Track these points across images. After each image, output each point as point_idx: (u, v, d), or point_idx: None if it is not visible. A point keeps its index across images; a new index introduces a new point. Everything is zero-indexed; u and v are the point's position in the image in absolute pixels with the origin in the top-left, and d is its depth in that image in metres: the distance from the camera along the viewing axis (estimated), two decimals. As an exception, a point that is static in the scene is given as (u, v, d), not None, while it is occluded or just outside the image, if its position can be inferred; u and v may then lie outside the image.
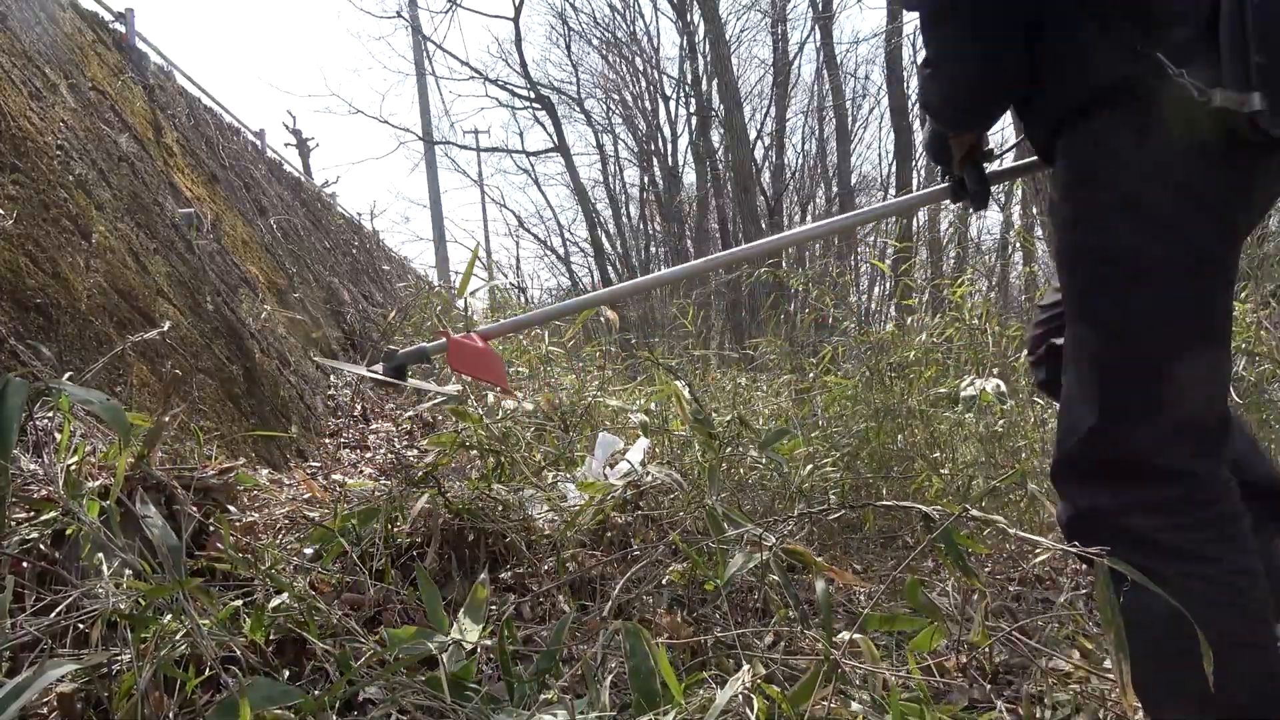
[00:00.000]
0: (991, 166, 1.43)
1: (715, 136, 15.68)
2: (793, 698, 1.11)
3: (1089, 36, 1.06)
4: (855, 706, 1.17)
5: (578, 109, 20.04)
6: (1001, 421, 2.67)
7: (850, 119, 16.71)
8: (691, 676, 1.21)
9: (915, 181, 10.58)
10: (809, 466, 2.48)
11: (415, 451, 4.10)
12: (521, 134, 43.83)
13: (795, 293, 4.73)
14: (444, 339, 1.76)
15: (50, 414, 1.69)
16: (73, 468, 1.42)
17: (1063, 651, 1.61)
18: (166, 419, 1.88)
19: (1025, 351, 1.64)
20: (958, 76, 1.19)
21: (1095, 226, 1.09)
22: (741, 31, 18.84)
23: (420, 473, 2.07)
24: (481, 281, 5.36)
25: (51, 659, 1.03)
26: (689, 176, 19.14)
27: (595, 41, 19.73)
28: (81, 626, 1.16)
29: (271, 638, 1.33)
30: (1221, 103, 0.94)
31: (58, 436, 1.51)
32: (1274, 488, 1.22)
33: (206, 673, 1.15)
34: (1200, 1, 0.96)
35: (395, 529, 1.81)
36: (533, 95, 15.86)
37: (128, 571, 1.22)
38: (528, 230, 25.03)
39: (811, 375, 3.50)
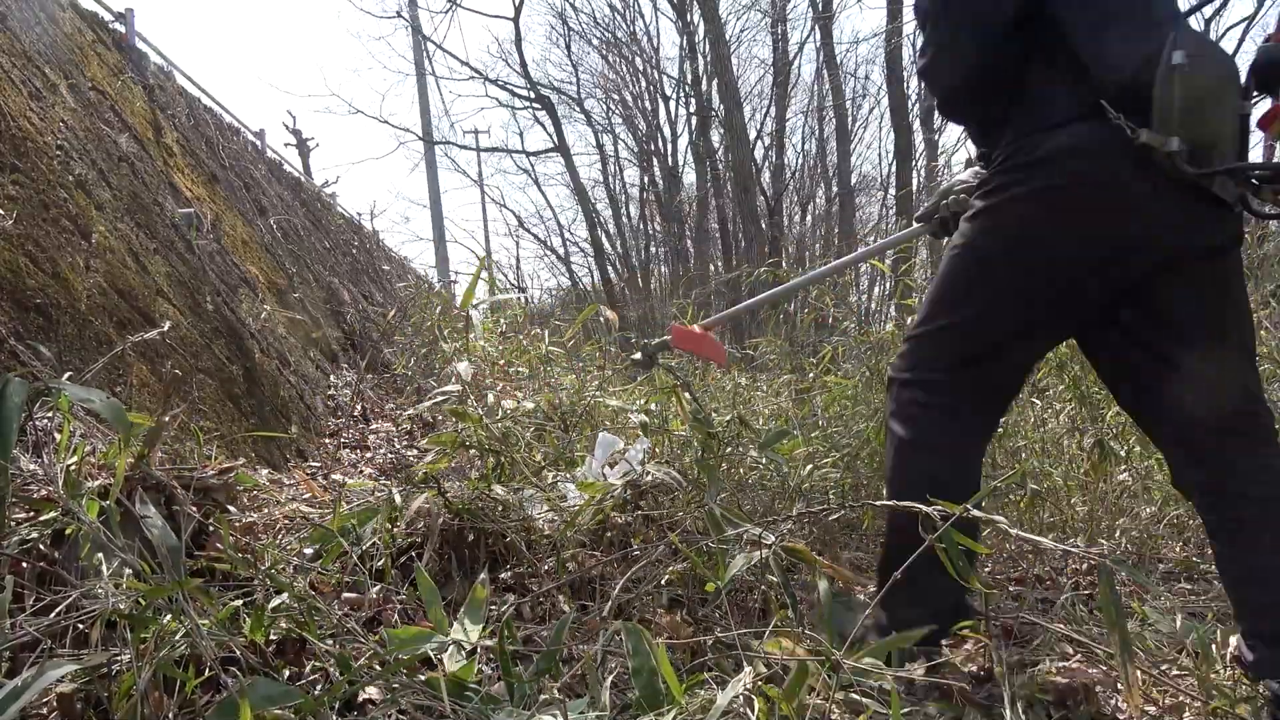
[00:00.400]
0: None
1: (715, 136, 15.68)
2: (784, 693, 1.10)
3: (1057, 72, 1.34)
4: (854, 704, 1.17)
5: (578, 109, 20.06)
6: (1000, 421, 2.66)
7: (850, 119, 16.71)
8: (692, 677, 1.20)
9: (915, 181, 10.57)
10: (809, 466, 2.48)
11: (415, 451, 4.10)
12: (521, 134, 43.76)
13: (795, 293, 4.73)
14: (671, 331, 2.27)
15: (50, 414, 1.69)
16: (72, 468, 1.42)
17: (1062, 652, 1.60)
18: (166, 419, 1.88)
19: None
20: (946, 79, 1.47)
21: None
22: (741, 31, 18.86)
23: (420, 473, 2.07)
24: (485, 293, 5.35)
25: (51, 659, 1.03)
26: (689, 176, 19.16)
27: (595, 41, 19.74)
28: (81, 626, 1.16)
29: (271, 638, 1.33)
30: (1146, 140, 1.21)
31: (57, 436, 1.51)
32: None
33: (206, 673, 1.14)
34: (1132, 60, 1.24)
35: (395, 529, 1.81)
36: (533, 95, 15.85)
37: (127, 571, 1.22)
38: (528, 230, 25.06)
39: (811, 375, 3.49)
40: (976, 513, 1.09)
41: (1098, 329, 1.46)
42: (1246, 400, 1.36)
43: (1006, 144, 1.38)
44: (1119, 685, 1.25)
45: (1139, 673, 1.42)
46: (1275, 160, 1.18)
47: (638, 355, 2.34)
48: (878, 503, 1.51)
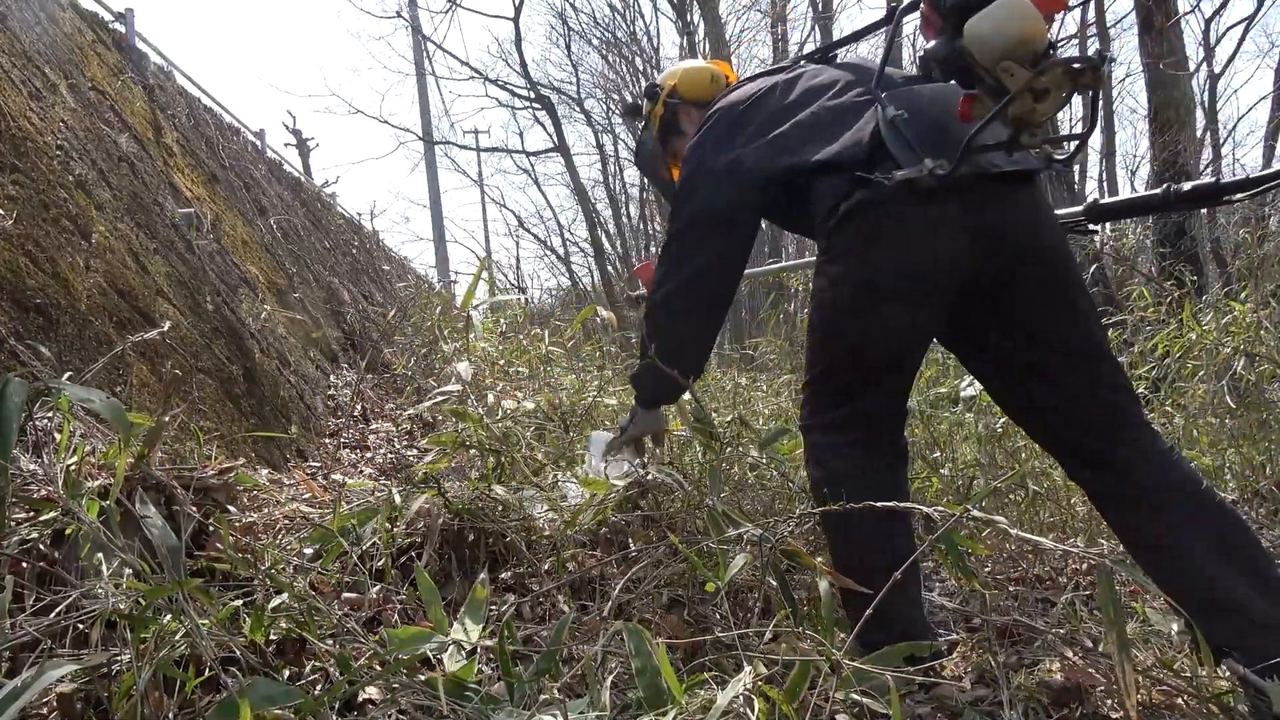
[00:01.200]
0: None
1: (715, 136, 15.61)
2: (786, 692, 1.10)
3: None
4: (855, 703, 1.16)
5: (578, 109, 20.04)
6: (1001, 421, 2.67)
7: (850, 119, 16.60)
8: (692, 677, 1.20)
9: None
10: (809, 466, 2.48)
11: (415, 451, 4.10)
12: (521, 134, 43.61)
13: (795, 292, 4.73)
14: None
15: (50, 414, 1.69)
16: (72, 468, 1.42)
17: (1062, 652, 1.60)
18: (166, 419, 1.88)
19: None
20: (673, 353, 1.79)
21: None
22: (741, 31, 18.69)
23: (420, 473, 2.07)
24: (485, 293, 5.34)
25: (51, 659, 1.03)
26: (689, 176, 19.07)
27: (595, 41, 19.71)
28: (81, 626, 1.16)
29: (271, 638, 1.33)
30: (902, 176, 1.36)
31: (57, 436, 1.51)
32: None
33: (206, 673, 1.14)
34: (861, 144, 1.45)
35: (395, 529, 1.81)
36: (533, 95, 15.83)
37: (127, 571, 1.22)
38: (528, 230, 25.09)
39: (811, 375, 3.48)
40: (979, 512, 1.09)
41: (988, 362, 1.61)
42: (1128, 403, 1.49)
43: (817, 223, 1.56)
44: (1116, 685, 1.25)
45: (1136, 673, 1.42)
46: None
47: (634, 294, 2.70)
48: (879, 503, 1.51)
